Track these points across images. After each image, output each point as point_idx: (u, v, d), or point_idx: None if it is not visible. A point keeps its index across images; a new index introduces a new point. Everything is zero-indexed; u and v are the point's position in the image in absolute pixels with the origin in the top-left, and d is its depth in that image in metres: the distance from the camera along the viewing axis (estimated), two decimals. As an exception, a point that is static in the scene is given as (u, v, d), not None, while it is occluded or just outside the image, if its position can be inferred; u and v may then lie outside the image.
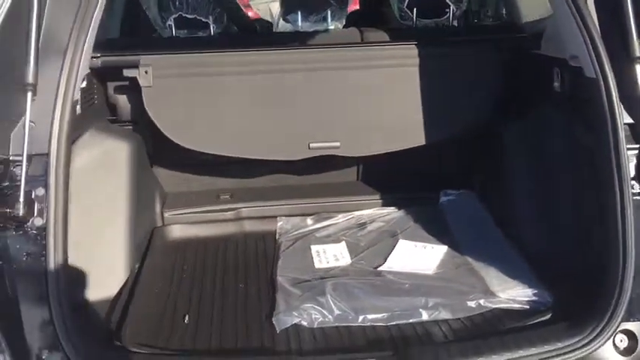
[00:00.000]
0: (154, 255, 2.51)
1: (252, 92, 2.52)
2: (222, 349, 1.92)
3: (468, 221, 2.63)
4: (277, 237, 2.69)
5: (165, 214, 2.79)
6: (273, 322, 2.00)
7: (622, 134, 1.75)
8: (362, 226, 2.69)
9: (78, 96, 1.73)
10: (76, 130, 2.27)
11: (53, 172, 1.63)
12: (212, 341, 1.96)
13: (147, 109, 2.47)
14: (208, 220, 2.80)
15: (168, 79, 2.46)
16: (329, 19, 2.64)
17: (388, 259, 2.37)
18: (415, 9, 2.66)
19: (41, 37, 1.70)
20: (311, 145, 2.55)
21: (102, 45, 2.51)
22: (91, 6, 1.72)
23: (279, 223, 2.78)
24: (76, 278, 1.90)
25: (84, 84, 2.32)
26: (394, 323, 1.99)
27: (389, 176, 2.95)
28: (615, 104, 1.75)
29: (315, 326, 2.01)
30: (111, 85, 2.60)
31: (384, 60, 2.54)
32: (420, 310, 2.01)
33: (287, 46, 2.54)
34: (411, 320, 2.00)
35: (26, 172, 1.63)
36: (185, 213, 2.81)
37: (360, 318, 2.01)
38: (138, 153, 2.56)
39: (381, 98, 2.57)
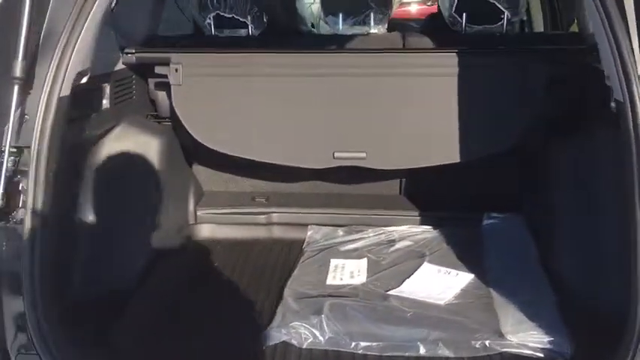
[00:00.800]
0: (175, 253, 2.51)
1: (279, 95, 2.45)
2: (206, 356, 1.87)
3: (507, 249, 2.40)
4: (304, 246, 2.61)
5: (199, 213, 2.79)
6: (262, 337, 1.94)
7: None
8: (391, 243, 2.54)
9: (67, 92, 1.71)
10: (106, 123, 2.33)
11: (34, 165, 1.64)
12: (199, 347, 1.92)
13: (175, 107, 2.47)
14: (240, 222, 2.76)
15: (197, 78, 2.44)
16: (371, 23, 2.50)
17: (405, 282, 2.21)
18: (465, 14, 2.46)
19: (43, 30, 1.72)
20: (336, 154, 2.43)
21: (141, 40, 2.56)
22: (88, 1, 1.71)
23: (309, 232, 2.70)
24: (65, 273, 1.91)
25: (117, 78, 2.40)
26: (388, 354, 1.85)
27: (432, 193, 2.77)
28: None
29: (304, 347, 1.90)
30: (151, 81, 2.62)
31: (422, 68, 2.36)
32: (419, 343, 1.85)
33: (319, 49, 2.43)
34: (406, 354, 1.84)
35: (11, 164, 1.64)
36: (218, 213, 2.78)
37: (353, 344, 1.88)
38: (169, 149, 2.56)
39: (416, 109, 2.41)
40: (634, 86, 1.47)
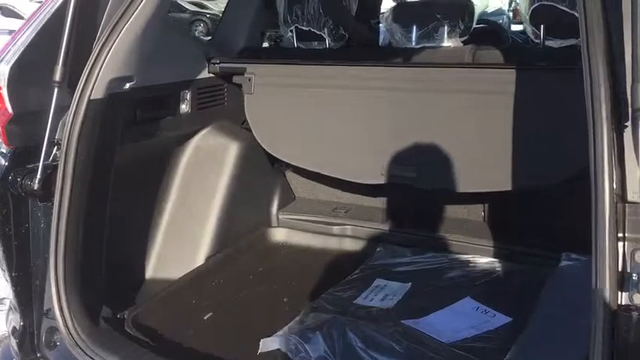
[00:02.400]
0: (242, 252, 2.65)
1: (337, 108, 2.44)
2: (202, 353, 1.98)
3: (569, 296, 2.11)
4: (366, 262, 2.58)
5: (280, 217, 2.90)
6: (259, 344, 1.98)
7: None
8: (447, 270, 2.39)
9: (99, 95, 1.92)
10: (185, 126, 2.56)
11: (62, 159, 1.88)
12: (202, 345, 2.02)
13: (247, 115, 2.60)
14: (314, 230, 2.81)
15: (267, 88, 2.54)
16: (444, 36, 2.35)
17: (432, 314, 2.08)
18: (542, 26, 2.19)
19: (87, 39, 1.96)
20: (383, 171, 2.35)
21: (235, 52, 2.74)
22: (128, 11, 1.90)
23: (377, 248, 2.65)
24: (96, 257, 2.08)
25: (204, 85, 2.61)
26: (365, 384, 1.78)
27: (513, 223, 2.53)
28: None
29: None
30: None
31: (483, 84, 2.17)
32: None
33: (376, 63, 2.36)
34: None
35: (50, 156, 1.93)
36: (297, 219, 2.87)
37: (337, 366, 1.85)
38: (251, 155, 2.71)
39: (476, 129, 2.22)
40: None
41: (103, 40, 1.90)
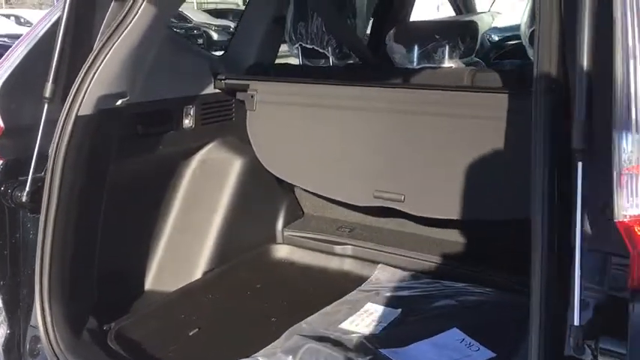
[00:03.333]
0: (238, 269, 2.65)
1: (335, 128, 2.42)
2: None
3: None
4: (364, 284, 2.54)
5: (286, 233, 2.89)
6: (236, 364, 1.98)
7: None
8: (440, 298, 2.32)
9: (87, 112, 1.96)
10: (188, 141, 2.58)
11: (49, 171, 1.93)
12: (180, 359, 2.03)
13: (248, 132, 2.60)
14: (317, 249, 2.79)
15: (269, 106, 2.55)
16: (445, 57, 2.29)
17: (413, 344, 2.02)
18: None
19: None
20: (376, 193, 2.30)
21: (244, 69, 2.76)
22: (119, 29, 1.94)
23: (376, 271, 2.61)
24: (85, 270, 2.12)
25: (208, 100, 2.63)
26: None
27: (514, 253, 2.43)
28: None
29: (267, 384, 1.90)
30: None
31: (480, 109, 2.10)
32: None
33: (373, 84, 2.32)
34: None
35: (38, 169, 1.98)
36: (301, 236, 2.86)
37: (307, 394, 1.82)
38: (257, 169, 2.71)
39: (469, 154, 2.15)
40: None
41: (92, 58, 1.95)
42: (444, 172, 2.22)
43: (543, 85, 1.23)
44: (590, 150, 1.10)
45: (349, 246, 2.74)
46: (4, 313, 2.07)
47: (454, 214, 2.24)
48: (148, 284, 2.50)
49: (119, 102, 2.09)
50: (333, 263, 2.73)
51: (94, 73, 1.94)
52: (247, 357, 2.00)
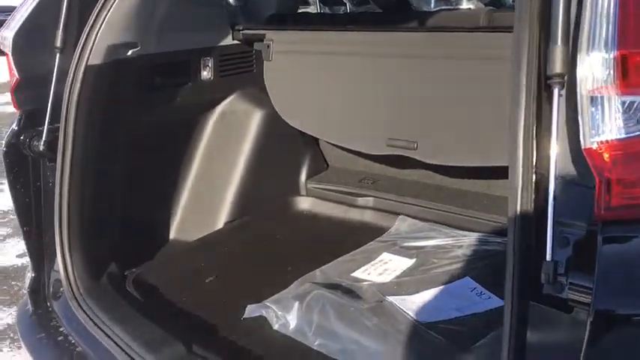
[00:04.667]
0: (259, 221, 2.66)
1: (350, 76, 2.37)
2: (189, 316, 2.03)
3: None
4: (383, 234, 2.52)
5: (309, 186, 2.89)
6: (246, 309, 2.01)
7: None
8: (456, 248, 2.28)
9: (98, 61, 1.98)
10: (207, 93, 2.60)
11: (63, 121, 1.98)
12: (193, 308, 2.07)
13: (265, 83, 2.58)
14: (339, 201, 2.78)
15: (285, 55, 2.52)
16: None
17: (422, 292, 2.00)
18: None
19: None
20: (389, 141, 2.26)
21: (263, 19, 2.73)
22: None
23: (396, 222, 2.58)
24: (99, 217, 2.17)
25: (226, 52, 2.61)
26: (334, 357, 1.76)
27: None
28: None
29: (275, 328, 1.92)
30: None
31: (497, 50, 2.01)
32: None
33: (390, 27, 2.25)
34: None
35: (52, 118, 2.03)
36: (324, 188, 2.85)
37: (311, 338, 1.83)
38: (278, 121, 2.69)
39: (485, 98, 2.06)
40: None
41: (100, 5, 1.96)
42: (459, 118, 2.15)
43: None
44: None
45: (371, 198, 2.72)
46: (30, 258, 2.17)
47: (471, 161, 2.18)
48: (170, 233, 2.56)
49: (130, 52, 2.12)
50: (354, 215, 2.72)
51: (102, 22, 1.96)
52: (257, 303, 2.03)
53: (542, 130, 1.09)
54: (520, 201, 1.10)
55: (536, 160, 1.09)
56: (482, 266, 2.17)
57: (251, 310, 1.99)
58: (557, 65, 1.04)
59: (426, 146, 2.24)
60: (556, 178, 1.05)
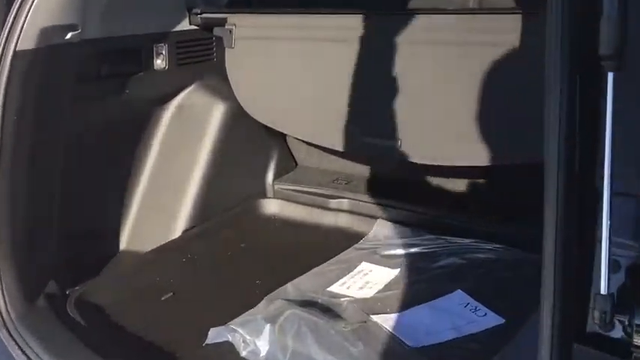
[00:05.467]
0: (222, 227, 2.40)
1: (321, 64, 2.12)
2: (142, 342, 1.76)
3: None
4: (359, 241, 2.28)
5: (276, 187, 2.63)
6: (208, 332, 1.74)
7: None
8: (443, 256, 2.05)
9: (28, 46, 1.70)
10: (162, 83, 2.31)
11: None
12: (147, 332, 1.80)
13: (228, 73, 2.32)
14: (311, 203, 2.53)
15: (248, 41, 2.25)
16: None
17: (411, 308, 1.77)
18: None
19: None
20: (368, 138, 2.02)
21: (220, 2, 2.45)
22: None
23: (374, 226, 2.35)
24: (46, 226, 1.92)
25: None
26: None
27: (528, 204, 2.16)
28: None
29: (243, 355, 1.66)
30: None
31: (487, 35, 1.80)
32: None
33: (365, 11, 2.01)
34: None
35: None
36: (294, 190, 2.59)
37: (285, 365, 1.59)
38: (242, 115, 2.43)
39: (479, 88, 1.85)
40: None
41: None
42: (446, 111, 1.92)
43: None
44: (624, 57, 0.81)
45: (345, 199, 2.48)
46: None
47: (459, 160, 1.96)
48: (120, 243, 2.27)
49: (69, 36, 1.81)
50: (327, 219, 2.47)
51: (30, 5, 1.67)
52: (221, 325, 1.77)
53: (587, 125, 0.86)
54: (559, 215, 0.87)
55: (580, 162, 0.87)
56: (473, 277, 1.94)
57: (215, 335, 1.72)
58: (612, 42, 0.81)
59: (407, 143, 2.01)
60: (608, 186, 0.83)
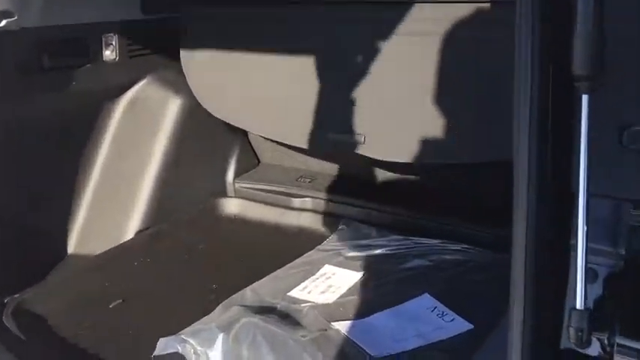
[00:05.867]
0: (178, 228, 2.27)
1: (285, 56, 2.00)
2: (85, 354, 1.63)
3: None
4: (323, 242, 2.17)
5: (236, 185, 2.51)
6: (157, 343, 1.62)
7: None
8: (409, 258, 1.95)
9: None
10: (121, 76, 2.17)
11: None
12: (91, 342, 1.67)
13: (182, 65, 2.19)
14: (273, 202, 2.41)
15: (204, 32, 2.12)
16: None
17: (373, 315, 1.67)
18: None
19: None
20: (332, 135, 1.92)
21: None
22: None
23: (339, 227, 2.24)
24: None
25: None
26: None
27: (499, 203, 2.07)
28: None
29: (192, 366, 1.55)
30: None
31: (451, 25, 1.70)
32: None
33: (328, 2, 1.91)
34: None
35: None
36: (255, 188, 2.47)
37: (240, 380, 1.48)
38: (200, 110, 2.31)
39: (445, 82, 1.75)
40: None
41: None
42: (414, 107, 1.82)
43: None
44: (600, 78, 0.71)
45: (309, 199, 2.37)
46: None
47: (426, 157, 1.86)
48: (67, 246, 2.12)
49: (3, 23, 1.67)
50: (290, 219, 2.35)
51: None
52: (172, 334, 1.65)
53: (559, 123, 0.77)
54: (529, 219, 0.77)
55: (552, 162, 0.77)
56: (441, 280, 1.85)
57: (163, 346, 1.59)
58: (588, 61, 0.72)
59: (374, 140, 1.90)
60: (584, 187, 0.73)
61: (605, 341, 0.73)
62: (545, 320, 0.79)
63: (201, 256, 2.14)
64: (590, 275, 0.77)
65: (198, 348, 1.55)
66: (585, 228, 0.72)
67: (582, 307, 0.72)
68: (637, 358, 0.69)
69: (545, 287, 0.79)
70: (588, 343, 0.74)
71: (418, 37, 1.82)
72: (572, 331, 0.73)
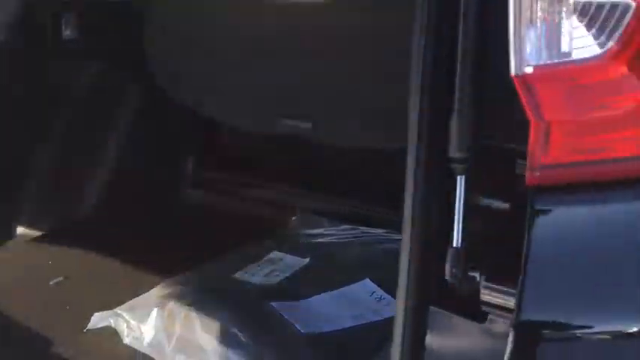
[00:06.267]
0: (132, 208, 2.24)
1: (239, 36, 1.97)
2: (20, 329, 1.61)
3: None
4: (277, 231, 2.17)
5: (193, 172, 2.49)
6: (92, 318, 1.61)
7: None
8: (359, 246, 1.96)
9: None
10: (78, 56, 2.15)
11: None
12: (27, 319, 1.66)
13: (145, 47, 2.18)
14: (223, 190, 2.39)
15: (169, 10, 2.09)
16: None
17: (312, 297, 1.67)
18: None
19: None
20: (279, 119, 1.92)
21: None
22: None
23: (293, 217, 2.24)
24: None
25: None
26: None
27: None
28: None
29: (126, 342, 1.54)
30: None
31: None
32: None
33: None
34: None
35: None
36: (207, 177, 2.46)
37: (170, 353, 1.47)
38: (157, 93, 2.29)
39: (398, 62, 1.75)
40: None
41: None
42: (365, 90, 1.82)
43: None
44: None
45: (260, 187, 2.36)
46: None
47: (375, 141, 1.85)
48: (15, 223, 2.11)
49: None
50: (241, 207, 2.35)
51: None
52: (109, 309, 1.64)
53: None
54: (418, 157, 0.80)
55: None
56: (384, 266, 1.85)
57: (97, 320, 1.59)
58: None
59: (323, 125, 1.90)
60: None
61: (477, 278, 0.74)
62: (433, 267, 0.79)
63: (151, 237, 2.12)
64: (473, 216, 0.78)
65: (132, 322, 1.54)
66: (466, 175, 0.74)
67: (459, 245, 0.73)
68: (493, 289, 0.70)
69: (432, 238, 0.80)
70: (467, 282, 0.75)
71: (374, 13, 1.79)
72: (447, 268, 0.74)
